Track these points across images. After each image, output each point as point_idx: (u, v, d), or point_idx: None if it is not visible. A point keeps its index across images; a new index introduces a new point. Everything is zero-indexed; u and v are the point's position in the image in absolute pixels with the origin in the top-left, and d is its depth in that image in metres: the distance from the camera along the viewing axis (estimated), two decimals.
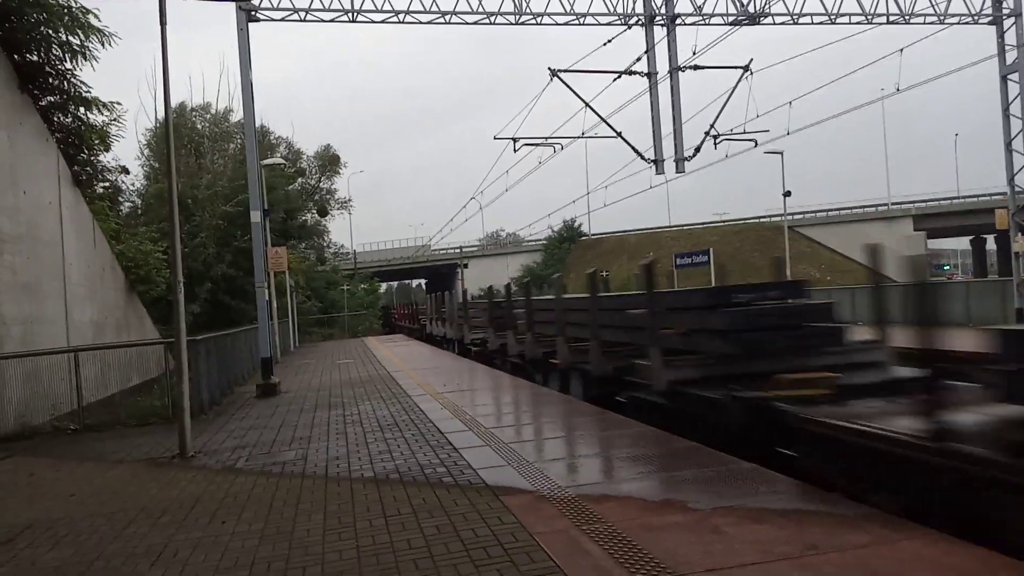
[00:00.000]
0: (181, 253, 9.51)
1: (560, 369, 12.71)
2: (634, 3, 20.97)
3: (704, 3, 20.65)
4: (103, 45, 14.83)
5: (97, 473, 8.23)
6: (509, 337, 16.54)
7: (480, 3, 20.24)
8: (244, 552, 5.02)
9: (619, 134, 21.36)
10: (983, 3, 23.26)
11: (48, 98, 14.61)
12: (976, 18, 23.22)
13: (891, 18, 22.45)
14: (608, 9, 21.00)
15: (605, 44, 20.10)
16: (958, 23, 22.98)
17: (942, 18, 22.73)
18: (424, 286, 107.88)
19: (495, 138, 22.44)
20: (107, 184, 20.07)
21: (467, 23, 20.59)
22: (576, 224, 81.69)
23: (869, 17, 22.27)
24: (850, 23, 22.22)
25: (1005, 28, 23.22)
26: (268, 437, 9.62)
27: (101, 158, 17.39)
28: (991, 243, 78.36)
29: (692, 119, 21.37)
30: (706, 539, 4.50)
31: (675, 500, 5.40)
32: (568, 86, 20.73)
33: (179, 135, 36.10)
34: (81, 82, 14.86)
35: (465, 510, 5.55)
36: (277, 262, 22.44)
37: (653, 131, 21.47)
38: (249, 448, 8.94)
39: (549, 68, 20.53)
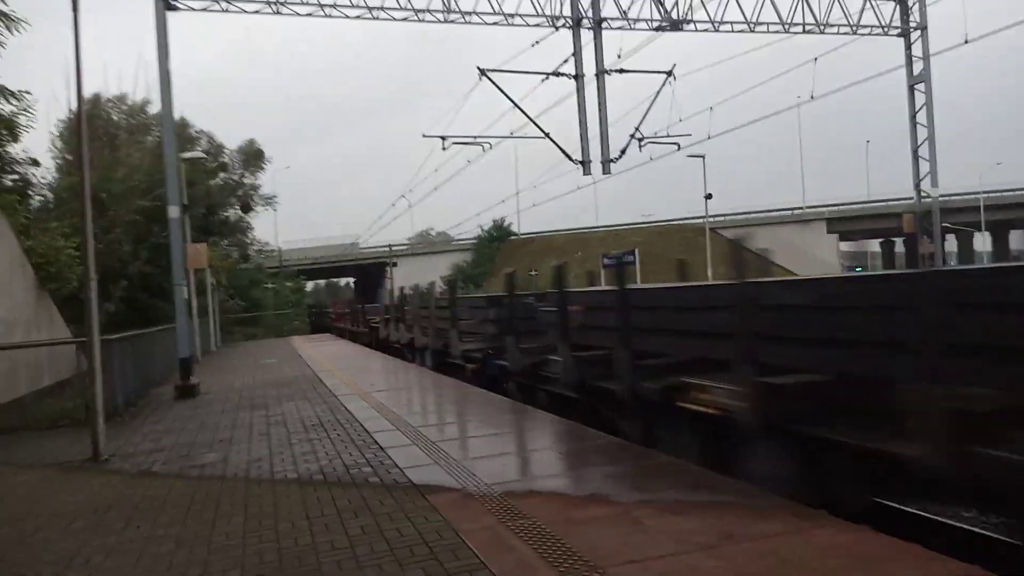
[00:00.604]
0: (95, 249, 9.16)
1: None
2: (561, 6, 21.22)
3: (629, 8, 21.05)
4: (10, 31, 14.17)
5: (3, 477, 7.86)
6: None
7: (408, 0, 20.13)
8: (160, 557, 4.88)
9: (547, 135, 21.57)
10: (892, 16, 24.40)
11: None
12: (886, 30, 24.34)
13: (807, 28, 23.33)
14: (536, 11, 21.19)
15: (533, 45, 20.32)
16: (869, 34, 24.05)
17: (855, 29, 23.75)
18: (353, 285, 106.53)
19: (424, 136, 22.39)
20: (16, 177, 19.18)
21: (395, 19, 20.48)
22: (506, 223, 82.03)
23: (786, 26, 23.09)
24: (768, 31, 23.00)
25: (912, 40, 24.40)
26: (186, 439, 9.35)
27: (9, 149, 16.63)
28: (900, 245, 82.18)
29: (618, 122, 21.78)
30: (627, 532, 4.60)
31: (598, 494, 5.50)
32: (497, 86, 20.82)
33: (93, 126, 34.58)
34: None
35: (391, 509, 5.52)
36: (197, 259, 21.80)
37: (580, 133, 21.78)
38: (166, 451, 8.67)
39: (478, 67, 20.60)
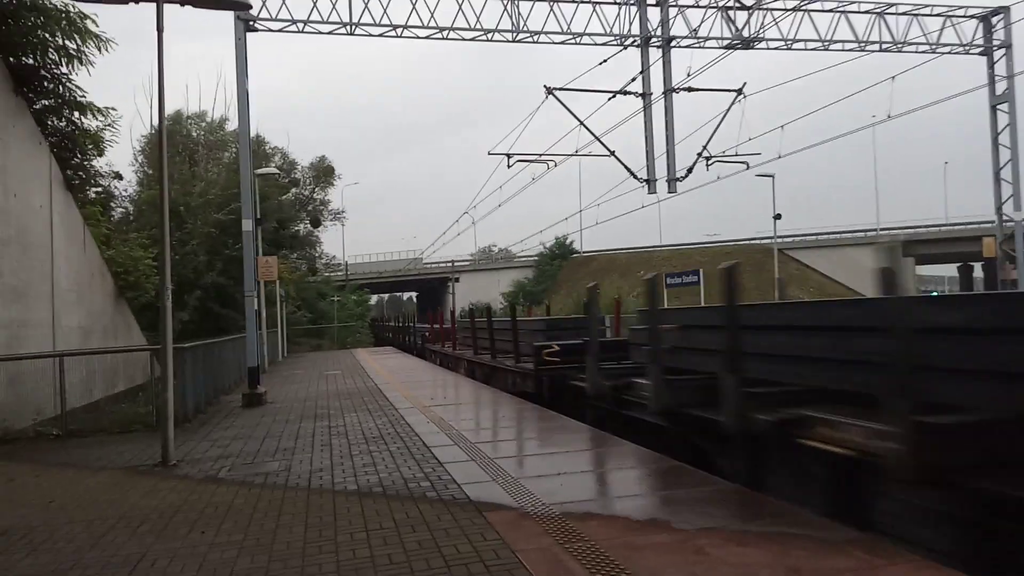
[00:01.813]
0: (171, 260, 9.47)
1: None
2: (630, 24, 21.15)
3: (700, 26, 20.85)
4: (100, 51, 14.83)
5: (78, 480, 8.14)
6: None
7: (478, 20, 20.37)
8: (222, 564, 4.97)
9: (612, 153, 21.47)
10: (974, 34, 23.58)
11: (43, 101, 14.59)
12: (968, 48, 23.53)
13: (884, 46, 22.72)
14: (604, 29, 21.16)
15: (601, 64, 20.23)
16: (950, 52, 23.28)
17: (934, 47, 23.01)
18: (415, 299, 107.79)
19: (489, 153, 22.52)
20: (99, 189, 20.03)
21: (464, 39, 20.72)
22: (568, 241, 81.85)
23: (862, 44, 22.53)
24: (843, 50, 22.48)
25: (995, 59, 23.53)
26: (252, 447, 9.54)
27: (94, 163, 17.38)
28: (978, 271, 78.99)
29: (685, 140, 21.52)
30: (689, 560, 4.48)
31: (659, 519, 5.38)
32: (563, 104, 20.87)
33: (174, 142, 36.05)
34: (76, 87, 14.85)
35: (448, 525, 5.51)
36: (267, 271, 22.38)
37: (646, 151, 21.61)
38: (232, 458, 8.87)
39: (545, 86, 20.67)
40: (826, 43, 22.42)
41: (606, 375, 10.30)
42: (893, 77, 19.16)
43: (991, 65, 23.63)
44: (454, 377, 19.21)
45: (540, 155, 22.71)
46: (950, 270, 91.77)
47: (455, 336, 25.23)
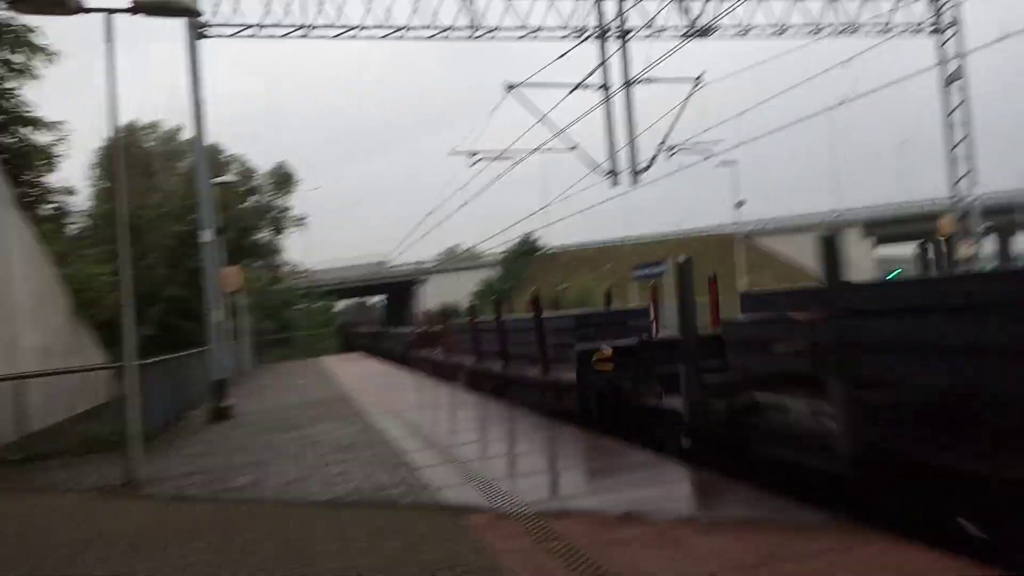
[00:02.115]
0: (131, 275, 9.25)
1: None
2: (587, 17, 21.20)
3: (655, 17, 20.94)
4: (49, 62, 14.50)
5: (44, 503, 7.93)
6: None
7: (434, 18, 20.28)
8: None
9: (573, 148, 21.51)
10: (925, 14, 24.02)
11: None
12: (918, 28, 23.95)
13: (838, 29, 23.04)
14: (562, 23, 21.19)
15: (559, 58, 20.20)
16: (903, 31, 23.66)
17: (886, 28, 23.39)
18: (385, 303, 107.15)
19: (452, 153, 22.45)
20: (54, 205, 19.60)
21: (423, 38, 20.61)
22: (534, 238, 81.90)
23: (816, 28, 22.82)
24: (799, 35, 22.75)
25: (945, 39, 23.99)
26: (221, 462, 9.37)
27: (46, 179, 17.00)
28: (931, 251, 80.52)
29: (647, 132, 21.61)
30: (666, 552, 4.47)
31: (634, 513, 5.36)
32: (524, 101, 20.82)
33: (128, 154, 35.35)
34: (24, 101, 14.51)
35: (425, 530, 5.44)
36: (230, 282, 22.03)
37: (608, 143, 21.68)
38: (201, 474, 8.69)
39: (505, 82, 20.62)
40: (781, 28, 22.67)
41: (713, 390, 6.98)
42: (847, 60, 19.41)
43: (942, 44, 24.09)
44: (425, 381, 19.06)
45: (503, 152, 22.69)
46: (909, 249, 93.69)
47: (450, 341, 20.97)
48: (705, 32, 21.41)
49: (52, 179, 17.75)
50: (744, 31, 22.44)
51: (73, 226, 29.94)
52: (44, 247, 16.12)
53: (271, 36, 19.32)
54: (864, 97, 19.86)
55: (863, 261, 68.69)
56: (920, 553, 4.10)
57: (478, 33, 20.87)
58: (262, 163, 52.26)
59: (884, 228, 72.61)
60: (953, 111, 24.25)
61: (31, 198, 16.01)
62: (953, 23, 23.84)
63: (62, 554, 5.81)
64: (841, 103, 20.51)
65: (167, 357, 14.00)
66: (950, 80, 24.14)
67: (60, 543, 6.17)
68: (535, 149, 22.46)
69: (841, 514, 4.82)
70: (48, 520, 7.16)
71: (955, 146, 24.39)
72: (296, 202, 53.01)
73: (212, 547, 5.64)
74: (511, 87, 20.70)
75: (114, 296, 17.88)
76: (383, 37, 20.32)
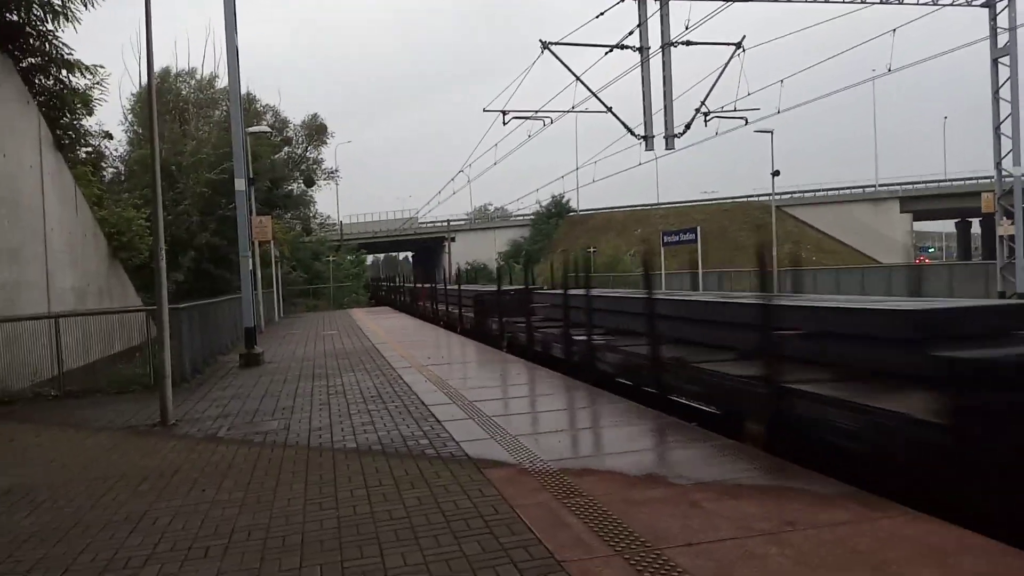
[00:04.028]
0: (164, 220, 9.39)
1: None
2: None
3: None
4: (85, 6, 14.53)
5: (77, 440, 8.17)
6: None
7: None
8: (224, 521, 5.01)
9: (609, 109, 21.26)
10: None
11: (29, 59, 14.31)
12: (969, 0, 23.17)
13: None
14: None
15: (598, 16, 19.89)
16: (952, 4, 22.93)
17: (935, 0, 22.66)
18: (411, 259, 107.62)
19: (484, 110, 22.30)
20: (90, 149, 19.81)
21: None
22: (564, 200, 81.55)
23: None
24: (844, 1, 22.13)
25: (997, 11, 23.19)
26: (251, 407, 9.58)
27: (84, 122, 17.15)
28: (976, 226, 79.00)
29: (683, 96, 21.31)
30: (686, 514, 4.52)
31: (657, 475, 5.42)
32: (559, 59, 20.58)
33: (163, 101, 35.55)
34: (63, 44, 14.57)
35: (447, 482, 5.55)
36: (262, 231, 22.25)
37: (644, 107, 21.38)
38: (231, 417, 8.90)
39: (540, 40, 20.38)
40: None
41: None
42: (894, 30, 18.91)
43: (993, 17, 23.29)
44: (454, 337, 19.11)
45: (536, 111, 22.50)
46: (948, 226, 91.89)
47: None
48: None
49: (89, 123, 17.90)
50: None
51: (109, 170, 30.32)
52: (81, 189, 16.35)
53: None
54: (910, 68, 19.37)
55: (901, 236, 67.50)
56: (944, 528, 4.11)
57: None
58: (295, 115, 52.35)
59: (922, 203, 71.09)
60: (1001, 86, 23.54)
61: (69, 141, 16.16)
62: None
63: (89, 491, 6.00)
64: (881, 74, 20.02)
65: (199, 302, 14.26)
66: (999, 54, 23.39)
67: (90, 479, 6.37)
68: (568, 110, 22.25)
69: (863, 487, 4.83)
70: (79, 455, 7.38)
71: (1001, 122, 23.72)
72: (328, 155, 53.10)
73: (240, 487, 5.80)
74: (546, 45, 20.44)
75: (149, 241, 18.20)
76: None
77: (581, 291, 11.98)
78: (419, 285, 37.49)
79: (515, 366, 12.09)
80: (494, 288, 18.43)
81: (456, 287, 24.51)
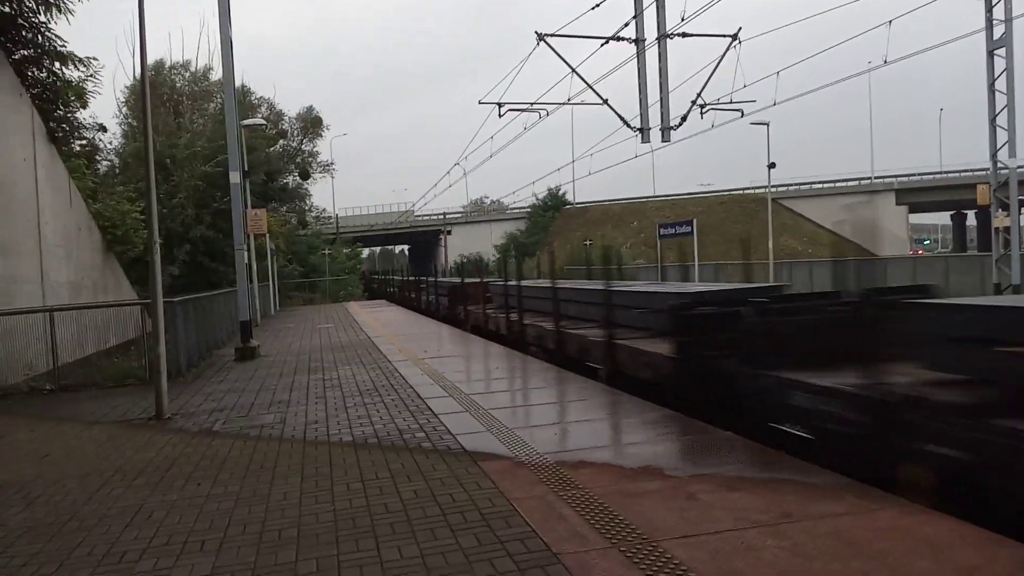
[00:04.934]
0: (159, 214, 9.36)
1: None
2: None
3: None
4: None
5: (72, 434, 8.15)
6: None
7: None
8: (219, 514, 4.99)
9: (605, 101, 21.19)
10: None
11: (21, 51, 14.25)
12: None
13: None
14: None
15: (594, 8, 19.81)
16: None
17: None
18: (407, 252, 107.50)
19: (480, 103, 22.21)
20: (84, 142, 19.73)
21: None
22: (561, 192, 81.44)
23: None
24: None
25: (993, 3, 23.14)
26: (246, 400, 9.56)
27: (78, 115, 17.12)
28: (972, 219, 79.14)
29: (679, 88, 21.25)
30: (682, 506, 4.52)
31: (652, 467, 5.41)
32: (555, 51, 20.49)
33: (157, 93, 35.41)
34: (56, 36, 14.50)
35: (443, 475, 5.54)
36: (257, 225, 22.20)
37: (640, 99, 21.32)
38: (227, 411, 8.88)
39: (536, 32, 20.29)
40: None
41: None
42: (890, 21, 18.86)
43: (989, 9, 23.25)
44: (449, 330, 19.11)
45: (532, 104, 22.42)
46: (943, 218, 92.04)
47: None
48: None
49: (83, 116, 17.83)
50: None
51: (104, 163, 30.20)
52: (75, 183, 16.28)
53: None
54: (907, 60, 19.34)
55: (897, 229, 67.56)
56: (939, 519, 4.11)
57: None
58: (290, 108, 52.16)
59: (918, 196, 71.15)
60: (997, 78, 23.51)
61: (62, 133, 16.09)
62: None
63: (85, 484, 5.99)
64: (877, 66, 19.99)
65: (195, 296, 14.22)
66: (995, 46, 23.36)
67: (85, 473, 6.35)
68: (564, 102, 22.18)
69: (859, 478, 4.84)
70: (73, 450, 7.36)
71: (997, 114, 23.70)
72: (324, 147, 53.08)
73: (235, 480, 5.79)
74: (542, 37, 20.36)
75: (143, 234, 18.13)
76: None
77: (514, 283, 15.79)
78: (409, 278, 37.67)
79: (473, 340, 15.46)
80: (459, 280, 23.03)
81: (432, 280, 29.40)
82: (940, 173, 74.20)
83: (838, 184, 76.00)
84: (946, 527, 4.00)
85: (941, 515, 4.16)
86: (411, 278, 38.15)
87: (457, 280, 24.09)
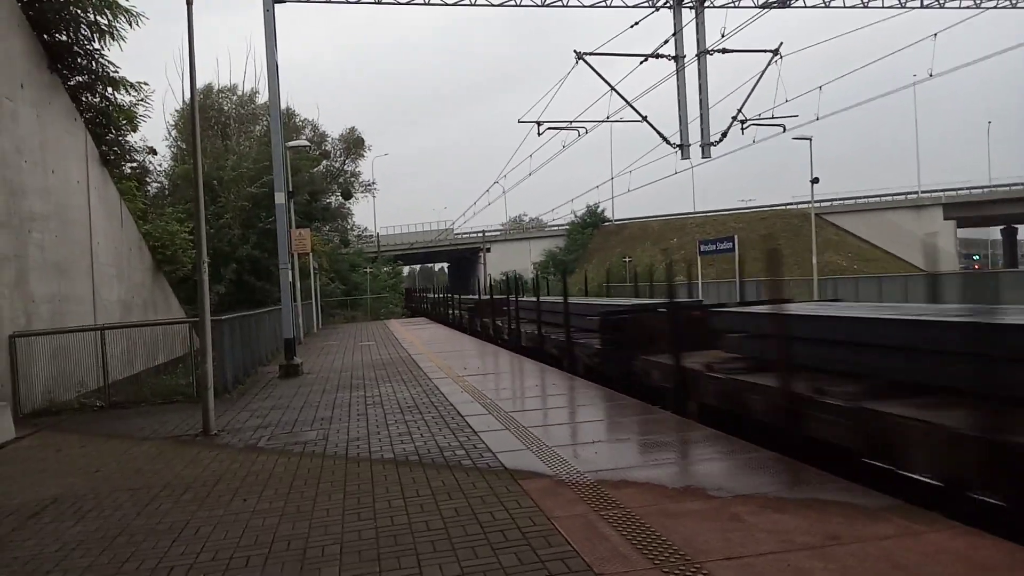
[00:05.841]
0: (206, 234, 9.58)
1: None
2: None
3: None
4: (131, 25, 14.90)
5: (122, 449, 8.34)
6: None
7: None
8: (264, 530, 5.06)
9: (644, 118, 21.17)
10: None
11: (76, 78, 14.71)
12: (1014, 2, 22.69)
13: (925, 2, 22.00)
14: None
15: (632, 26, 19.86)
16: (995, 7, 22.47)
17: (978, 2, 22.23)
18: (447, 270, 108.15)
19: (519, 121, 22.36)
20: (135, 164, 20.25)
21: (493, 4, 20.47)
22: (600, 209, 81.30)
23: (903, 1, 21.83)
24: (883, 7, 21.81)
25: None
26: (290, 417, 9.69)
27: (129, 138, 17.57)
28: (1022, 233, 77.05)
29: (719, 103, 21.23)
30: (725, 527, 4.46)
31: (695, 487, 5.36)
32: (594, 69, 20.57)
33: (205, 116, 36.33)
34: (109, 62, 14.95)
35: (483, 493, 5.55)
36: (301, 244, 22.54)
37: (679, 115, 21.28)
38: (271, 427, 9.02)
39: (575, 51, 20.39)
40: (865, 1, 21.77)
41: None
42: (935, 34, 18.55)
43: None
44: (489, 348, 19.14)
45: (571, 122, 22.49)
46: (993, 233, 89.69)
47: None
48: (786, 2, 20.71)
49: (134, 139, 18.34)
50: (827, 2, 21.62)
51: (153, 185, 30.98)
52: (126, 204, 16.74)
53: (345, 1, 19.50)
54: (953, 73, 18.98)
55: (945, 244, 66.00)
56: (990, 542, 4.00)
57: (549, 0, 20.62)
58: (333, 129, 53.07)
59: (966, 210, 69.49)
60: None
61: (114, 156, 16.56)
62: None
63: (135, 499, 6.12)
64: (922, 79, 19.63)
65: (240, 314, 14.47)
66: None
67: (135, 488, 6.50)
68: (603, 120, 22.20)
69: (909, 500, 4.73)
70: (124, 465, 7.52)
71: None
72: (366, 167, 53.79)
73: (280, 496, 5.87)
74: (580, 56, 20.45)
75: (191, 254, 18.54)
76: (454, 4, 20.27)
77: (532, 299, 18.33)
78: (445, 296, 38.01)
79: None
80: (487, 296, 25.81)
81: (475, 297, 31.87)
82: (989, 187, 72.45)
83: (884, 198, 74.62)
84: (999, 551, 3.89)
85: (993, 538, 4.04)
86: (454, 296, 38.37)
87: (501, 297, 23.83)
